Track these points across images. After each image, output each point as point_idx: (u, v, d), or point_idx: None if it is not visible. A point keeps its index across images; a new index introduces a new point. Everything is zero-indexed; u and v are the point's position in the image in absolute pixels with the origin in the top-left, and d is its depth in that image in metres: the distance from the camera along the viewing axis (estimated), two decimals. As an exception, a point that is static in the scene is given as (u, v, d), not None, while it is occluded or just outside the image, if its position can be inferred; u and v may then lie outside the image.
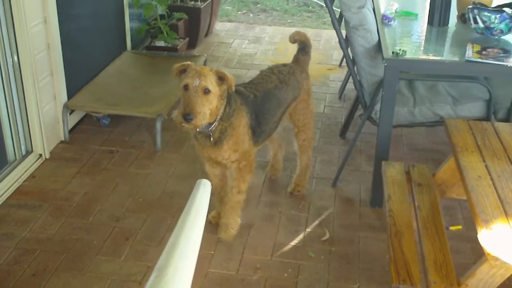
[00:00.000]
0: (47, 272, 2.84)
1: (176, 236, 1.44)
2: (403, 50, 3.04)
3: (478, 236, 2.08)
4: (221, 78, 2.73)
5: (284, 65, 3.28)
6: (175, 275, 1.33)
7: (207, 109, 2.68)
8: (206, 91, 2.67)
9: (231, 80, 2.73)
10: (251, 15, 7.12)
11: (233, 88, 2.77)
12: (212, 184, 3.11)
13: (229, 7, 7.34)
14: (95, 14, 4.44)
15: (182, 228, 1.47)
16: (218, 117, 2.79)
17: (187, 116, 2.63)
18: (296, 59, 3.36)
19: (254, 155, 3.06)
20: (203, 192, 1.62)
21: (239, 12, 7.20)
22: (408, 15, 3.67)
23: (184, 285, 1.36)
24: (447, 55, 3.26)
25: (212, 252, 3.01)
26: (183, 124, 2.67)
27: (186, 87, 2.68)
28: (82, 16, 4.24)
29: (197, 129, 2.76)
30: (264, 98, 3.03)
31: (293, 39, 3.35)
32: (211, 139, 2.83)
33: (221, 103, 2.78)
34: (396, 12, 3.61)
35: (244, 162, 2.96)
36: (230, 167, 2.99)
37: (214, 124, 2.80)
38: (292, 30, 5.97)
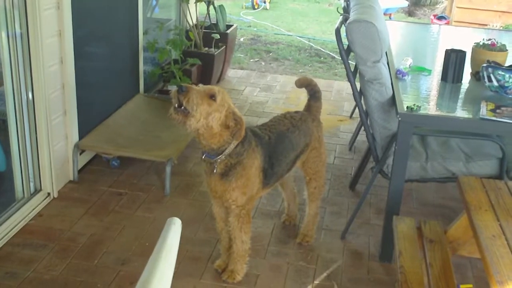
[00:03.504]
0: (50, 314, 2.80)
1: (148, 275, 1.44)
2: (417, 106, 3.05)
3: (493, 297, 2.04)
4: (236, 121, 2.73)
5: (296, 112, 3.30)
6: None
7: (204, 109, 2.62)
8: (211, 97, 2.64)
9: (242, 131, 2.73)
10: (263, 63, 7.19)
11: (240, 138, 2.76)
12: (217, 227, 3.13)
13: (242, 55, 7.42)
14: (110, 57, 4.49)
15: (153, 267, 1.47)
16: (227, 151, 2.78)
17: (181, 87, 2.59)
18: (307, 107, 3.37)
19: (253, 206, 3.04)
20: (174, 230, 1.62)
21: (251, 60, 7.27)
22: (421, 70, 3.69)
23: None
24: (460, 112, 3.26)
25: (218, 301, 2.96)
26: (172, 109, 2.64)
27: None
28: (97, 57, 4.29)
29: (187, 125, 2.65)
30: (277, 139, 3.04)
31: (299, 83, 3.37)
32: (214, 170, 2.82)
33: (227, 136, 2.74)
34: (410, 67, 3.63)
35: (244, 211, 2.94)
36: (231, 212, 2.96)
37: (219, 157, 2.78)
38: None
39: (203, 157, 2.84)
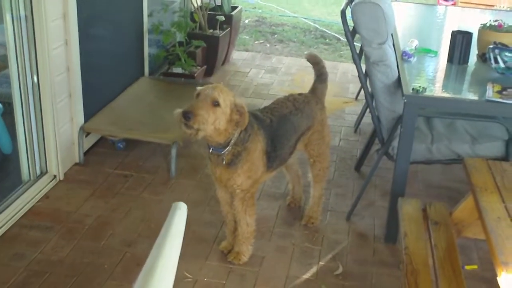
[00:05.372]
0: (57, 295, 2.82)
1: (154, 259, 1.43)
2: (423, 87, 3.04)
3: (498, 278, 2.05)
4: (239, 112, 2.73)
5: (300, 94, 3.30)
6: None
7: (211, 119, 2.64)
8: (215, 103, 2.65)
9: (246, 120, 2.74)
10: (268, 45, 7.16)
11: (243, 127, 2.77)
12: (222, 210, 3.15)
13: (247, 37, 7.39)
14: (115, 39, 4.48)
15: (159, 251, 1.47)
16: (232, 141, 2.79)
17: (186, 114, 2.60)
18: (313, 88, 3.36)
19: (257, 189, 3.06)
20: (180, 215, 1.61)
21: (256, 42, 7.24)
22: (427, 52, 3.67)
23: None
24: (467, 93, 3.25)
25: (224, 282, 2.98)
26: (182, 125, 2.64)
27: (197, 96, 2.69)
28: (102, 40, 4.28)
29: (198, 136, 2.68)
30: (279, 122, 3.04)
31: (308, 56, 3.37)
32: (224, 162, 2.83)
33: (232, 128, 2.76)
34: (416, 48, 3.61)
35: (248, 194, 2.96)
36: (236, 196, 2.98)
37: (227, 149, 2.79)
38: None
39: (210, 151, 2.85)
